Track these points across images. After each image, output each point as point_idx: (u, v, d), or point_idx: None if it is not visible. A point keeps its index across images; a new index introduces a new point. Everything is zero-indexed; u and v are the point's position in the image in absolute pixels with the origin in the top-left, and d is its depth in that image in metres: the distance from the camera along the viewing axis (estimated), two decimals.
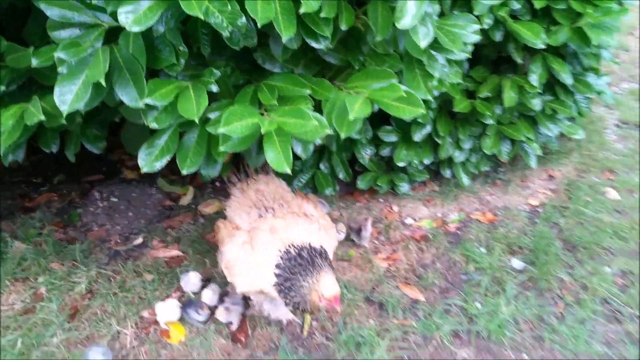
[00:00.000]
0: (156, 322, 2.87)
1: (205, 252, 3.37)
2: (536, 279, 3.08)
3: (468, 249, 3.30)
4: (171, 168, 4.32)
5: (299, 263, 2.36)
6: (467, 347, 2.72)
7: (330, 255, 2.55)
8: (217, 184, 4.07)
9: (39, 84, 2.19)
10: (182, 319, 2.87)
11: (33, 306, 2.97)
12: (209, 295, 2.96)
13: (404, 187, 3.76)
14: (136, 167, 4.37)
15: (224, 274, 2.60)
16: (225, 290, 2.99)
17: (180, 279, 3.08)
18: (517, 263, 3.21)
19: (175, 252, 3.37)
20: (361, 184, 3.67)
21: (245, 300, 2.92)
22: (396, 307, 2.92)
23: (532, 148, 3.71)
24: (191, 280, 3.01)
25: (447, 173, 3.78)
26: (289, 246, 2.40)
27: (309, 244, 2.41)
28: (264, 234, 2.47)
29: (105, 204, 3.95)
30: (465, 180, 3.75)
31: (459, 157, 3.63)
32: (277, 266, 2.37)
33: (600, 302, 2.93)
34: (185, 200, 3.92)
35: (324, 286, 2.30)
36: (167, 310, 2.86)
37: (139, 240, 3.52)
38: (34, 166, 4.37)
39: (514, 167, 4.07)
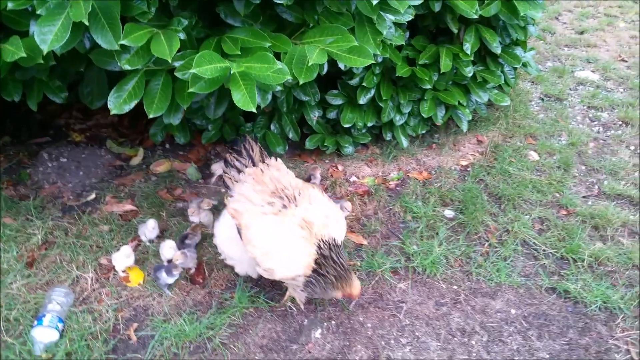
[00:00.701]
0: (115, 267, 3.00)
1: (159, 206, 3.50)
2: (465, 225, 3.44)
3: (406, 202, 3.62)
4: (120, 131, 4.43)
5: (332, 261, 2.47)
6: (405, 280, 3.04)
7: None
8: (167, 145, 4.19)
9: (8, 29, 2.26)
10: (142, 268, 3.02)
11: None
12: (168, 250, 3.05)
13: (349, 148, 4.03)
14: (84, 130, 4.48)
15: (251, 252, 2.53)
16: (183, 236, 3.14)
17: (138, 228, 3.20)
18: (448, 212, 3.57)
19: (129, 207, 3.48)
20: (309, 144, 3.91)
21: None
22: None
23: (464, 113, 4.09)
24: (149, 227, 3.14)
25: (388, 136, 4.09)
26: (321, 240, 2.49)
27: (335, 240, 2.54)
28: (301, 228, 2.50)
29: (55, 164, 3.97)
30: (404, 142, 4.07)
31: (399, 120, 3.94)
32: (315, 260, 2.47)
33: (520, 243, 3.33)
34: (136, 160, 4.01)
35: (354, 288, 2.53)
36: (122, 257, 2.97)
37: (92, 196, 3.60)
38: None
39: (447, 133, 4.45)
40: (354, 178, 3.92)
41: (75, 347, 2.52)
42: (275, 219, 2.55)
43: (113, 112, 2.34)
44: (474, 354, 2.63)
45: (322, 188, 3.41)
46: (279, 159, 2.83)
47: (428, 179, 3.93)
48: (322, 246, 2.48)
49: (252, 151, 2.78)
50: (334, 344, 2.68)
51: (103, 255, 3.07)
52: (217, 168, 3.00)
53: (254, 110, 2.15)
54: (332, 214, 2.66)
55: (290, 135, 3.84)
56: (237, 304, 2.82)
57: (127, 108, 2.36)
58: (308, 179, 3.53)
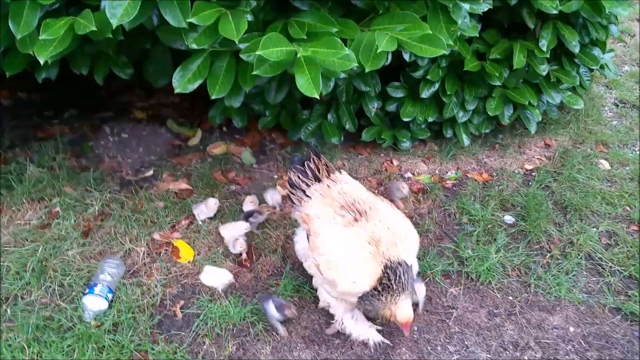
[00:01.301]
0: (167, 244, 3.04)
1: (213, 187, 3.52)
2: (526, 233, 3.26)
3: (463, 203, 3.47)
4: (180, 111, 4.49)
5: (393, 282, 2.33)
6: (457, 286, 2.91)
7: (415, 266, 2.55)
8: (224, 128, 4.21)
9: (82, 3, 2.30)
10: None
11: (48, 223, 3.12)
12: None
13: (406, 143, 3.92)
14: (145, 109, 4.57)
15: (317, 261, 2.45)
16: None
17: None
18: (508, 218, 3.39)
19: (184, 186, 3.52)
20: (366, 136, 3.82)
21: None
22: None
23: (534, 114, 3.88)
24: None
25: (448, 133, 3.94)
26: (389, 260, 2.36)
27: (404, 262, 2.39)
28: (370, 245, 2.37)
29: (116, 139, 4.07)
30: (465, 140, 3.91)
31: (462, 117, 3.78)
32: (379, 280, 2.33)
33: (585, 256, 3.12)
34: (194, 141, 4.05)
35: (400, 311, 2.36)
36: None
37: (150, 172, 3.67)
38: (44, 101, 4.47)
39: (512, 134, 4.24)
40: (409, 174, 3.80)
41: (122, 319, 2.56)
42: (345, 230, 2.43)
43: (177, 90, 2.35)
44: None
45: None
46: (344, 172, 2.72)
47: (488, 181, 3.76)
48: (388, 266, 2.33)
49: (317, 168, 2.63)
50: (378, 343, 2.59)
51: (156, 231, 3.12)
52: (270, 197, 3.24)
53: (317, 97, 2.09)
54: (403, 232, 2.49)
55: (347, 126, 3.76)
56: (282, 292, 2.79)
57: (191, 88, 2.36)
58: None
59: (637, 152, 4.17)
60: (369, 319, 2.57)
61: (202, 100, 4.04)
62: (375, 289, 2.34)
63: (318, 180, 2.62)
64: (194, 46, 2.19)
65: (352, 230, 2.43)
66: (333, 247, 2.42)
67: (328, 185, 2.59)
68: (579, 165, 3.90)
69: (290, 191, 2.69)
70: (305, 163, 2.64)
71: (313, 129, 3.73)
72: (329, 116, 3.76)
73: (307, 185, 2.62)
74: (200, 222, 3.18)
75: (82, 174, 3.56)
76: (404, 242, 2.45)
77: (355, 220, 2.46)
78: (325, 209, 2.51)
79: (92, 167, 3.67)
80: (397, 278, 2.33)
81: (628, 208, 3.54)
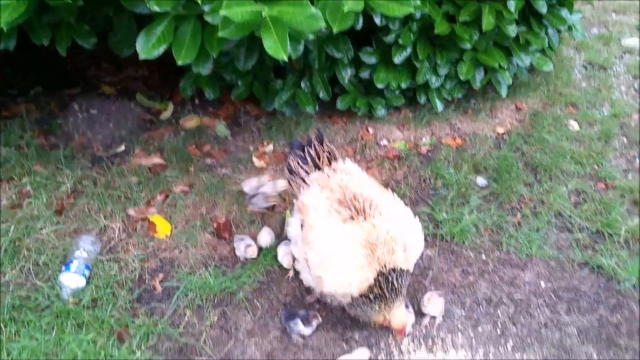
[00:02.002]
0: (143, 219, 3.02)
1: (187, 160, 3.48)
2: (497, 194, 3.33)
3: (437, 168, 3.52)
4: (150, 85, 4.40)
5: (386, 291, 2.25)
6: (432, 248, 2.98)
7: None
8: (197, 101, 4.15)
9: None
10: None
11: (19, 203, 3.07)
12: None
13: (381, 110, 3.92)
14: (114, 83, 4.47)
15: (307, 255, 2.36)
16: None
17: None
18: (481, 181, 3.45)
19: (158, 160, 3.48)
20: (340, 104, 3.81)
21: None
22: None
23: (504, 77, 3.92)
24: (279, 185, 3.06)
25: (422, 99, 3.96)
26: (383, 267, 2.25)
27: (400, 268, 2.28)
28: (364, 248, 2.24)
29: (85, 115, 3.99)
30: (439, 105, 3.93)
31: (435, 82, 3.80)
32: (370, 287, 2.26)
33: (555, 215, 3.21)
34: (165, 115, 3.99)
35: (395, 318, 2.31)
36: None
37: (122, 148, 3.61)
38: (7, 79, 4.33)
39: (484, 98, 4.28)
40: (384, 142, 3.82)
41: (100, 294, 2.55)
42: (340, 228, 2.30)
43: (142, 56, 2.29)
44: (499, 325, 2.57)
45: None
46: (348, 161, 2.58)
47: (461, 146, 3.80)
48: (382, 272, 2.24)
49: (317, 155, 2.53)
50: None
51: (131, 207, 3.09)
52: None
53: (285, 59, 2.06)
54: (405, 238, 2.34)
55: (321, 95, 3.74)
56: (261, 261, 2.81)
57: (156, 53, 2.30)
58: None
59: (605, 113, 4.26)
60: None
61: (173, 73, 3.99)
62: (366, 296, 2.26)
63: (318, 168, 2.51)
64: (156, 8, 2.11)
65: (347, 229, 2.29)
66: (325, 244, 2.30)
67: (328, 175, 2.47)
68: (549, 127, 3.98)
69: (288, 177, 2.61)
70: (306, 149, 2.54)
71: (287, 98, 3.70)
72: (303, 85, 3.73)
73: (307, 172, 2.51)
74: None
75: (51, 152, 3.49)
76: (403, 249, 2.31)
77: (352, 218, 2.32)
78: (323, 201, 2.38)
79: (61, 144, 3.59)
80: (390, 285, 2.24)
81: (596, 167, 3.63)
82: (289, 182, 2.64)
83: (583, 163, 3.64)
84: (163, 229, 2.96)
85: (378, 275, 2.24)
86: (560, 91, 4.45)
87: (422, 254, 2.90)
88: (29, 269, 2.67)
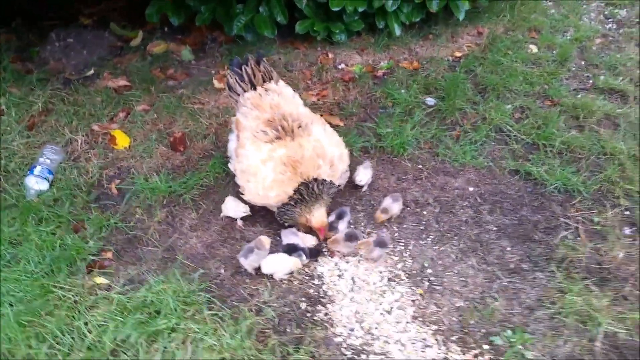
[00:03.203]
0: (105, 134, 3.26)
1: (150, 82, 3.70)
2: (442, 111, 3.49)
3: (389, 89, 3.66)
4: (125, 16, 4.56)
5: (307, 196, 2.49)
6: (373, 158, 3.17)
7: (338, 182, 2.65)
8: (166, 29, 4.31)
9: None
10: None
11: None
12: None
13: (341, 36, 4.04)
14: (92, 15, 4.64)
15: (235, 167, 2.66)
16: None
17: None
18: (430, 100, 3.60)
19: (123, 82, 3.70)
20: (299, 28, 3.94)
21: None
22: None
23: (462, 2, 3.98)
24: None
25: (380, 24, 4.05)
26: (306, 179, 2.49)
27: (323, 180, 2.52)
28: (285, 166, 2.48)
29: (62, 44, 4.19)
30: (397, 30, 4.03)
31: (391, 6, 3.89)
32: (290, 197, 2.50)
33: (495, 129, 3.36)
34: (135, 42, 4.18)
35: (314, 219, 2.55)
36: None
37: (91, 71, 3.84)
38: None
39: (445, 23, 4.35)
40: (342, 65, 3.97)
41: (61, 195, 2.83)
42: (264, 147, 2.53)
43: None
44: (424, 222, 2.79)
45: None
46: (281, 82, 2.75)
47: (417, 69, 3.93)
48: (305, 185, 2.47)
49: (253, 73, 2.69)
50: None
51: (95, 123, 3.34)
52: None
53: None
54: (332, 157, 2.60)
55: (279, 19, 3.86)
56: (210, 169, 3.05)
57: None
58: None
59: (567, 37, 4.31)
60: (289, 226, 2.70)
61: (145, 4, 4.13)
62: (287, 204, 2.51)
63: (254, 86, 2.69)
64: None
65: (271, 148, 2.52)
66: (248, 160, 2.55)
67: (260, 94, 2.65)
68: (506, 50, 4.06)
69: (228, 94, 2.82)
70: (243, 67, 2.71)
71: (245, 21, 3.84)
72: (261, 9, 3.85)
73: (243, 90, 2.69)
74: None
75: (27, 76, 3.73)
76: (330, 166, 2.56)
77: (279, 138, 2.54)
78: (253, 120, 2.60)
79: (36, 70, 3.83)
80: (311, 191, 2.49)
81: (546, 86, 3.74)
82: (229, 97, 2.84)
83: (534, 83, 3.75)
84: (122, 141, 3.21)
85: (299, 186, 2.49)
86: (525, 17, 4.49)
87: (362, 163, 3.12)
88: None
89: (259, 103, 2.64)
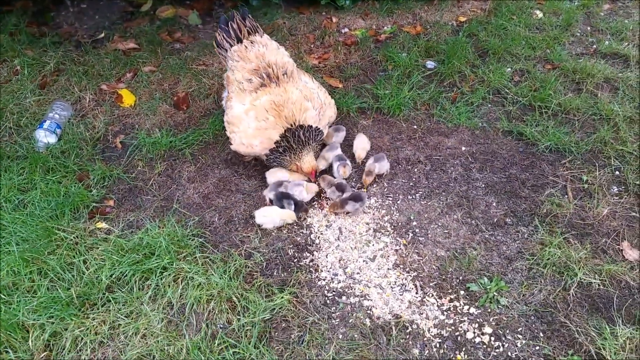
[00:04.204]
0: (112, 93, 3.40)
1: (157, 44, 3.81)
2: (442, 74, 3.52)
3: (390, 52, 3.70)
4: None
5: (294, 143, 2.58)
6: (369, 118, 3.24)
7: (325, 130, 2.75)
8: None
9: None
10: None
11: (10, 79, 3.50)
12: None
13: (346, 1, 4.07)
14: None
15: (225, 117, 2.76)
16: None
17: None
18: (430, 64, 3.63)
19: (132, 45, 3.82)
20: None
21: None
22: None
23: None
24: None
25: None
26: (292, 124, 2.57)
27: (309, 126, 2.61)
28: (267, 112, 2.57)
29: (76, 9, 4.34)
30: None
31: None
32: (277, 143, 2.60)
33: (493, 92, 3.39)
34: (145, 7, 4.29)
35: (304, 164, 2.66)
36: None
37: (102, 35, 3.97)
38: None
39: None
40: (345, 29, 4.01)
41: (68, 147, 2.99)
42: (249, 98, 2.62)
43: None
44: (414, 179, 2.86)
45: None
46: (265, 35, 2.81)
47: (420, 33, 3.95)
48: (290, 129, 2.56)
49: (239, 29, 2.76)
50: None
51: (103, 82, 3.48)
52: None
53: None
54: (320, 102, 2.69)
55: None
56: (210, 126, 3.17)
57: None
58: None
59: (575, 3, 4.26)
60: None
61: None
62: (275, 150, 2.59)
63: (240, 40, 2.77)
64: None
65: (254, 99, 2.61)
66: (234, 111, 2.66)
67: (246, 46, 2.73)
68: (511, 15, 4.04)
69: (217, 51, 2.90)
70: (229, 23, 2.79)
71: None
72: None
73: (230, 45, 2.77)
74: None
75: (41, 39, 3.88)
76: (319, 110, 2.65)
77: (263, 85, 2.62)
78: (240, 72, 2.68)
79: (51, 33, 3.98)
80: (297, 138, 2.57)
81: (548, 51, 3.73)
82: (219, 54, 2.91)
83: (535, 47, 3.74)
84: (128, 100, 3.35)
85: (285, 132, 2.57)
86: None
87: (358, 123, 3.20)
88: (11, 127, 3.12)
89: (244, 54, 2.72)
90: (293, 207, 2.63)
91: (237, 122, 2.64)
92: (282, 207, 2.62)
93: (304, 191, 2.70)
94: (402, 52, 3.72)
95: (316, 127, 2.66)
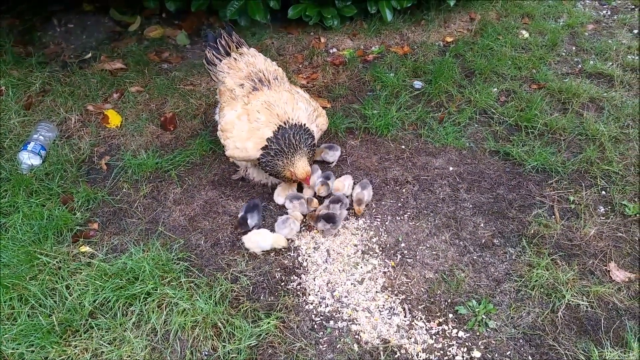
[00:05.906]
0: (98, 113, 3.37)
1: (145, 65, 3.80)
2: (429, 94, 3.54)
3: (378, 72, 3.72)
4: (126, 1, 4.66)
5: (284, 146, 2.56)
6: (357, 138, 3.24)
7: (317, 136, 2.74)
8: (164, 15, 4.41)
9: None
10: None
11: None
12: None
13: (333, 21, 4.10)
14: (94, 1, 4.76)
15: (219, 127, 2.75)
16: None
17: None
18: (417, 83, 3.65)
19: (119, 65, 3.81)
20: (291, 13, 4.00)
21: None
22: None
23: None
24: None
25: (373, 8, 4.10)
26: (284, 122, 2.57)
27: (299, 124, 2.60)
28: (259, 112, 2.59)
29: (63, 29, 4.32)
30: (388, 15, 4.08)
31: None
32: (269, 140, 2.57)
33: (479, 112, 3.41)
34: (133, 27, 4.28)
35: (298, 169, 2.63)
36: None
37: (89, 55, 3.95)
38: None
39: (438, 9, 4.38)
40: (334, 50, 4.03)
41: (52, 169, 2.95)
42: (240, 104, 2.65)
43: None
44: (402, 199, 2.85)
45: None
46: (252, 48, 2.89)
47: (407, 54, 3.97)
48: (281, 127, 2.55)
49: (228, 44, 2.83)
50: None
51: (90, 103, 3.45)
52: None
53: None
54: (309, 100, 2.74)
55: (272, 4, 3.92)
56: (197, 147, 3.14)
57: None
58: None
59: (560, 23, 4.32)
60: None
61: None
62: (267, 153, 2.58)
63: (229, 55, 2.83)
64: None
65: (245, 104, 2.64)
66: (227, 118, 2.67)
67: (235, 58, 2.79)
68: (497, 35, 4.09)
69: (207, 68, 2.92)
70: (217, 40, 2.84)
71: (239, 6, 3.90)
72: None
73: (219, 60, 2.83)
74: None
75: (27, 59, 3.85)
76: (309, 112, 2.66)
77: (255, 89, 2.66)
78: (231, 79, 2.73)
79: (37, 53, 3.95)
80: (288, 141, 2.56)
81: (534, 71, 3.77)
82: (209, 71, 2.93)
83: (522, 67, 3.78)
84: (114, 120, 3.32)
85: (278, 129, 2.56)
86: (519, 4, 4.51)
87: (346, 143, 3.20)
88: None
89: (234, 65, 2.79)
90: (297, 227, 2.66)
91: (230, 127, 2.65)
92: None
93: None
94: (389, 72, 3.74)
95: (307, 127, 2.64)
